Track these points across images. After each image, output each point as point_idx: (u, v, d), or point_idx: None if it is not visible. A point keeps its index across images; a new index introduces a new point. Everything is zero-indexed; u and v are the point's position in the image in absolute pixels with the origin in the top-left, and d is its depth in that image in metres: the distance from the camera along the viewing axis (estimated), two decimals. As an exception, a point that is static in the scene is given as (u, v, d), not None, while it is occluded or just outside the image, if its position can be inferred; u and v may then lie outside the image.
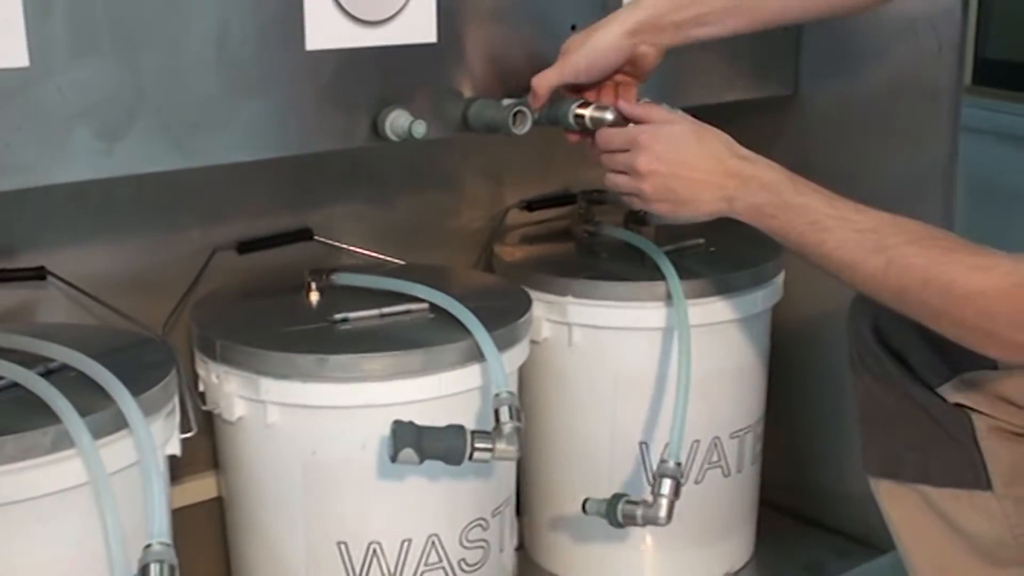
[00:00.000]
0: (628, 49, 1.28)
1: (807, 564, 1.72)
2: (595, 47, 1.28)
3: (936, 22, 1.56)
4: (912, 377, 1.23)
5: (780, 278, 1.62)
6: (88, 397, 1.08)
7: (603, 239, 1.63)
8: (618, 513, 1.34)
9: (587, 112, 1.31)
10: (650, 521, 1.32)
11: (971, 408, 1.20)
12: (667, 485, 1.32)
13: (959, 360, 1.20)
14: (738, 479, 1.61)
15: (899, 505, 1.27)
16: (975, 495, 1.21)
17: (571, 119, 1.31)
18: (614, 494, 1.36)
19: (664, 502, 1.32)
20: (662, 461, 1.34)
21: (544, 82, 1.29)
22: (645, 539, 1.58)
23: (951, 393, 1.21)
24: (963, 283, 1.05)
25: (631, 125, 1.26)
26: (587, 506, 1.37)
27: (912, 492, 1.25)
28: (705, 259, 1.57)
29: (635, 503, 1.33)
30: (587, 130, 1.32)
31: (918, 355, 1.22)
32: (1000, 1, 1.46)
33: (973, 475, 1.21)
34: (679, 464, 1.33)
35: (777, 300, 1.62)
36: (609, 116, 1.29)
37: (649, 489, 1.40)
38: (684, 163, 1.21)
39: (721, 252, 1.58)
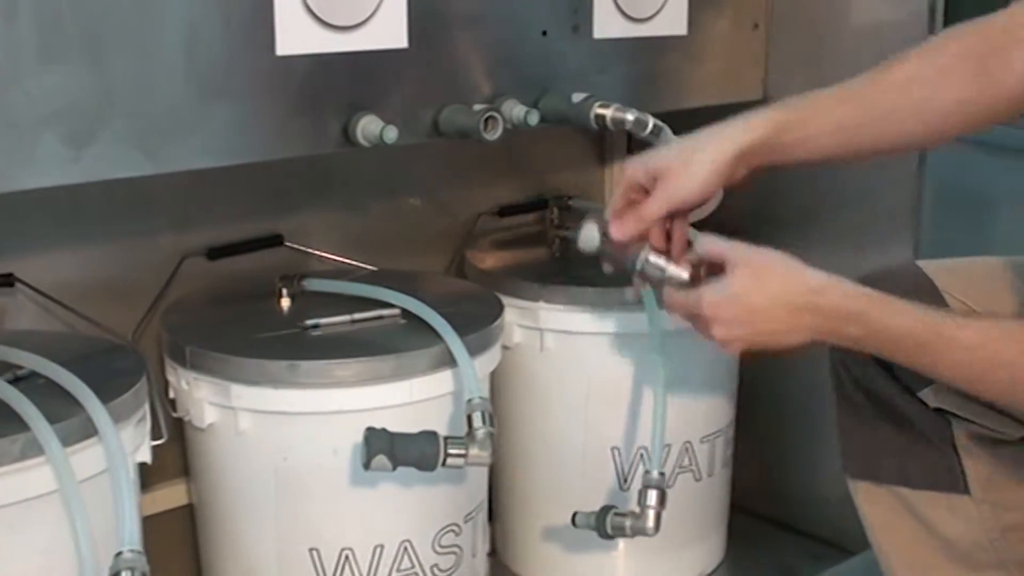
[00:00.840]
0: (730, 175, 1.16)
1: (779, 567, 1.73)
2: (700, 173, 1.15)
3: (903, 27, 1.57)
4: (894, 382, 1.23)
5: (750, 283, 1.63)
6: (57, 404, 1.08)
7: (574, 245, 1.63)
8: (607, 525, 1.36)
9: (608, 112, 1.33)
10: (639, 532, 1.34)
11: (951, 413, 1.21)
12: (652, 496, 1.33)
13: None
14: (709, 483, 1.62)
15: (876, 506, 1.27)
16: (952, 498, 1.21)
17: (591, 119, 1.34)
18: (602, 507, 1.38)
19: (651, 513, 1.33)
20: (646, 472, 1.34)
21: (651, 215, 1.15)
22: (617, 543, 1.58)
23: (932, 397, 1.21)
24: None
25: (691, 293, 1.13)
26: (576, 519, 1.38)
27: (890, 494, 1.25)
28: (676, 264, 1.57)
29: (623, 515, 1.35)
30: (603, 130, 1.35)
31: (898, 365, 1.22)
32: (967, 6, 1.47)
33: (951, 479, 1.21)
34: (663, 474, 1.34)
35: (748, 304, 1.63)
36: (630, 117, 1.31)
37: (634, 498, 1.40)
38: (757, 319, 1.11)
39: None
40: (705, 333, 1.14)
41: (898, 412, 1.23)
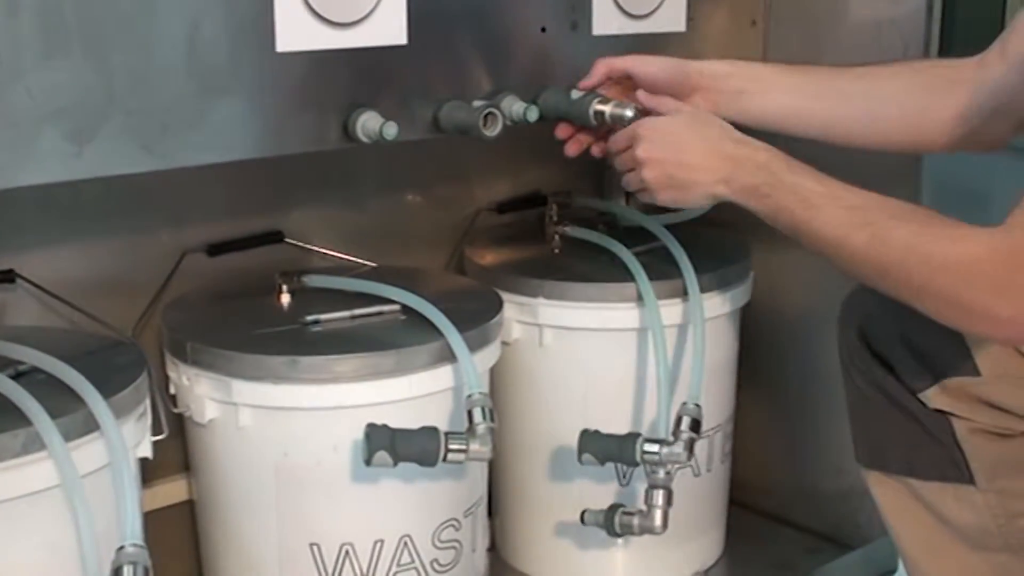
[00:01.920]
0: (687, 77, 1.36)
1: (777, 562, 1.73)
2: (661, 56, 1.39)
3: (901, 24, 1.58)
4: (896, 381, 1.25)
5: (749, 280, 1.63)
6: (59, 400, 1.08)
7: (573, 241, 1.64)
8: (615, 524, 1.38)
9: (607, 108, 1.34)
10: (646, 530, 1.37)
11: (951, 413, 1.23)
12: (660, 495, 1.36)
13: (943, 368, 1.22)
14: (708, 478, 1.62)
15: (888, 494, 1.29)
16: (959, 488, 1.23)
17: (591, 115, 1.35)
18: (611, 505, 1.40)
19: (658, 512, 1.36)
20: (652, 472, 1.36)
21: (615, 61, 1.38)
22: (616, 539, 1.58)
23: (932, 399, 1.23)
24: (941, 253, 1.05)
25: (629, 126, 1.30)
26: (585, 517, 1.41)
27: (900, 483, 1.27)
28: (674, 261, 1.58)
29: (631, 513, 1.38)
30: (602, 126, 1.36)
31: (902, 363, 1.24)
32: (964, 4, 1.48)
33: (956, 471, 1.23)
34: (668, 473, 1.36)
35: (746, 301, 1.63)
36: (629, 113, 1.33)
37: (634, 493, 1.48)
38: (680, 150, 1.26)
39: (690, 254, 1.59)
40: (633, 156, 1.27)
41: (903, 408, 1.25)
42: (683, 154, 1.25)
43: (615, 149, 1.32)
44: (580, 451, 1.36)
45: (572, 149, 1.41)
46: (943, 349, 1.21)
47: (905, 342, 1.23)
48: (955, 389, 1.22)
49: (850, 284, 1.60)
